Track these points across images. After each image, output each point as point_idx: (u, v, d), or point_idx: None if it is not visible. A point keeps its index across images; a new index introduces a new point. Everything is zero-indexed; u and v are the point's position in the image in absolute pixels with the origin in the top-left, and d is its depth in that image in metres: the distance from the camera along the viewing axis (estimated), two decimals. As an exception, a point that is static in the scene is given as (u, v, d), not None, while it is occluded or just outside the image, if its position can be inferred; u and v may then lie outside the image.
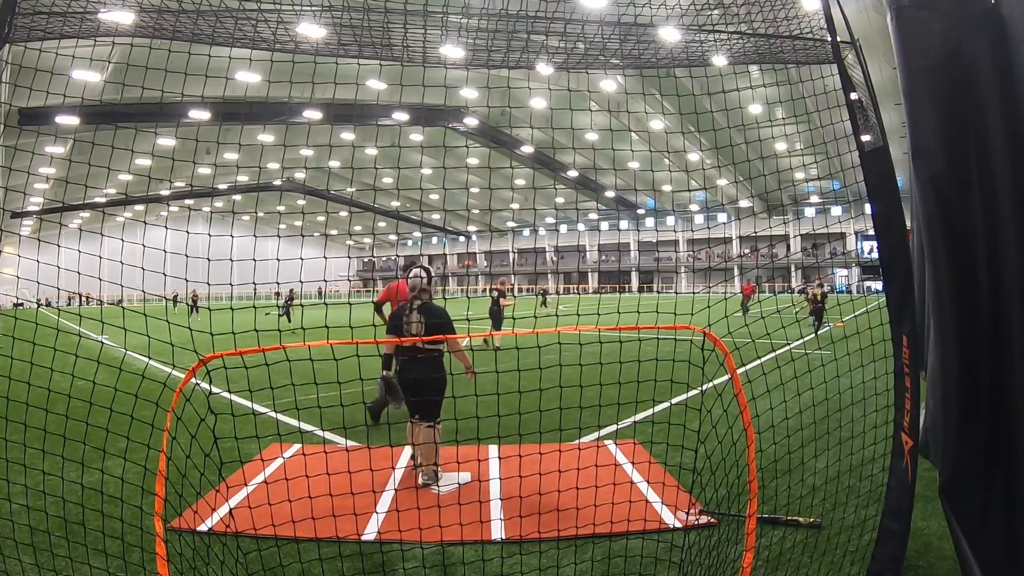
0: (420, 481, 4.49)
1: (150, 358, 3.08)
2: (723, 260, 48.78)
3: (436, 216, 64.24)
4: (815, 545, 3.26)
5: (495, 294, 13.79)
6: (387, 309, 6.16)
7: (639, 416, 5.88)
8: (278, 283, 3.53)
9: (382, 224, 64.43)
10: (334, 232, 63.95)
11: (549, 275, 60.69)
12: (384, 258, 76.07)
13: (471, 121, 36.30)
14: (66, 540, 3.23)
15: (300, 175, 45.07)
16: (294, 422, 6.06)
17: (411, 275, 4.62)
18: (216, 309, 4.05)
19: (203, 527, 3.62)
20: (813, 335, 13.65)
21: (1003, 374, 2.46)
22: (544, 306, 25.65)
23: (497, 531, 3.65)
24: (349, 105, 28.45)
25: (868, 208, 2.81)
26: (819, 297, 15.61)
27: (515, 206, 51.32)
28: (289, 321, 17.79)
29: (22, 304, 28.46)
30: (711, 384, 3.61)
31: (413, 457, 4.82)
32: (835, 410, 4.02)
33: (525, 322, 9.61)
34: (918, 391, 2.71)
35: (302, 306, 7.46)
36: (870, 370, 3.45)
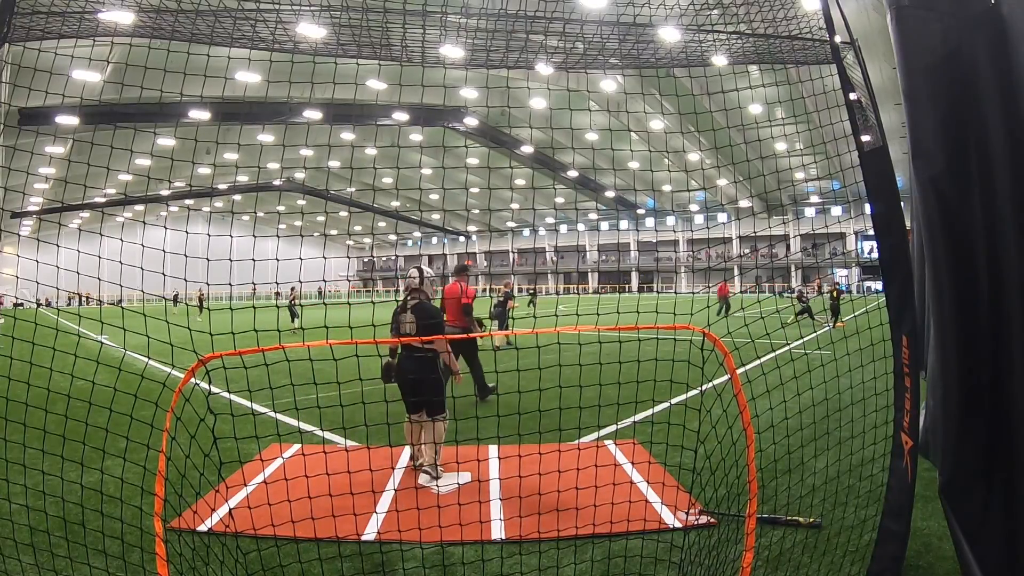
0: (420, 477, 4.50)
1: (149, 358, 3.08)
2: (723, 260, 48.76)
3: (436, 216, 64.24)
4: (815, 545, 3.26)
5: (501, 296, 13.73)
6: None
7: (639, 416, 5.88)
8: (277, 283, 3.53)
9: (382, 224, 64.43)
10: (334, 232, 63.96)
11: (549, 275, 60.63)
12: (384, 258, 76.04)
13: (471, 121, 36.27)
14: (66, 540, 3.23)
15: (300, 175, 45.07)
16: (294, 422, 6.06)
17: (407, 275, 4.70)
18: (216, 309, 4.04)
19: (203, 527, 3.61)
20: (831, 326, 15.87)
21: (1003, 374, 2.46)
22: (529, 306, 25.62)
23: (497, 531, 3.64)
24: (349, 105, 28.47)
25: (868, 208, 2.82)
26: (834, 295, 17.21)
27: (515, 206, 51.32)
28: (292, 321, 17.78)
29: (22, 304, 28.45)
30: (711, 384, 3.61)
31: (413, 457, 4.83)
32: (835, 410, 4.02)
33: (525, 322, 9.62)
34: (918, 391, 2.71)
35: (301, 306, 7.45)
36: (870, 370, 3.45)
